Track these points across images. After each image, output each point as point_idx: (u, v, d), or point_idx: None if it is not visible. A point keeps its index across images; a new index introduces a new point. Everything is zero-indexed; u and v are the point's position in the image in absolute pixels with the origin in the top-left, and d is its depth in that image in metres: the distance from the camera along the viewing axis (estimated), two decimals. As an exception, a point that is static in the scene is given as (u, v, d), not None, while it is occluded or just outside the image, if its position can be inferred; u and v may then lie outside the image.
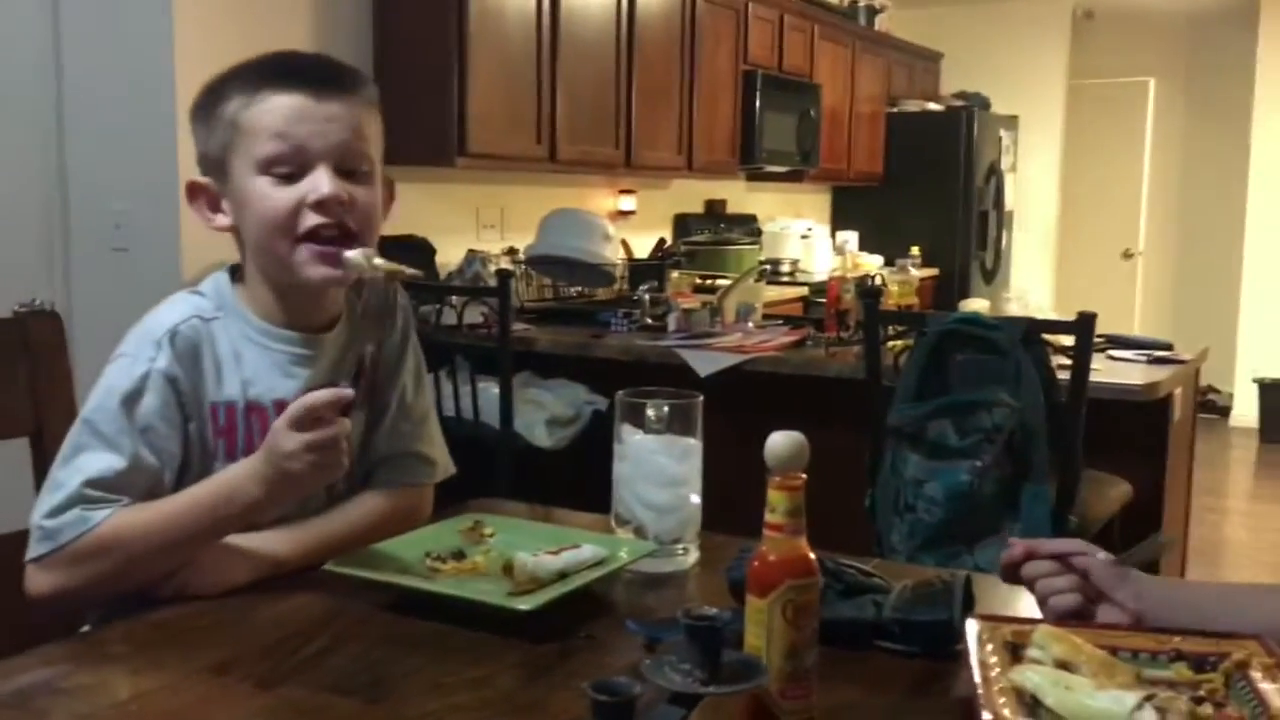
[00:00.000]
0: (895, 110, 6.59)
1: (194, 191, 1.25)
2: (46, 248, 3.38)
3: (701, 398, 1.31)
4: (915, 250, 6.34)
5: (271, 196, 1.18)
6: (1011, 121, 7.03)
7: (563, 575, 1.13)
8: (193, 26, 3.15)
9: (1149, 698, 0.86)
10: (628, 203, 5.00)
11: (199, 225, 1.27)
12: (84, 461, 1.14)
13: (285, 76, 1.19)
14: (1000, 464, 2.33)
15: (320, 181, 1.18)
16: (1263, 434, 6.61)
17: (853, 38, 6.21)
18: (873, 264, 5.99)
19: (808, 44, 5.72)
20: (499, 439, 3.07)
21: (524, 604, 1.05)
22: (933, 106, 6.70)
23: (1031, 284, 7.32)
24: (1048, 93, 7.32)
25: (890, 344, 2.68)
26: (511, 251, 3.95)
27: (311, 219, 1.18)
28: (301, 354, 1.26)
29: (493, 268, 3.66)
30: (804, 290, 5.12)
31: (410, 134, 3.71)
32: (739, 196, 5.83)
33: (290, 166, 1.18)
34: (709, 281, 4.42)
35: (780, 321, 3.70)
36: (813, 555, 0.89)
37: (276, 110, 1.17)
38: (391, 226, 3.80)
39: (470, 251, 3.85)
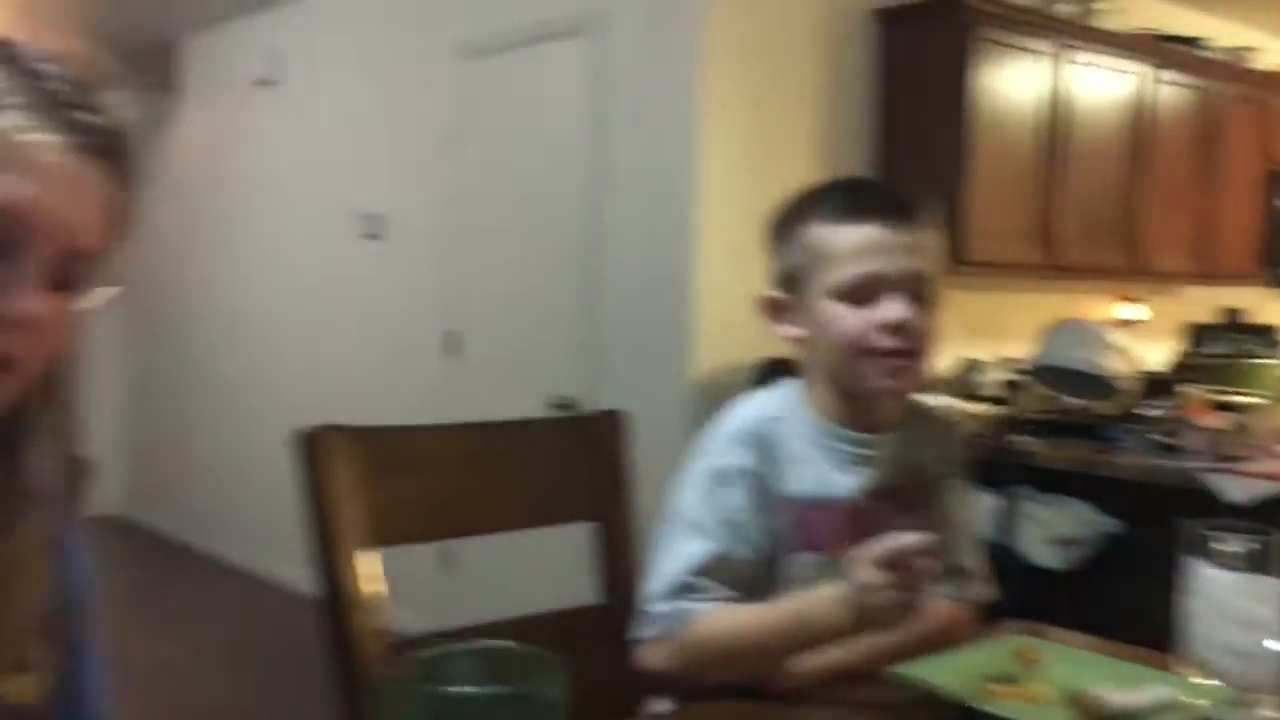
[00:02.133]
0: None
1: (768, 305, 1.36)
2: (583, 344, 3.79)
3: (1290, 536, 1.19)
4: None
5: (847, 318, 1.26)
6: None
7: (1133, 716, 1.07)
8: (717, 160, 3.44)
9: None
10: (1131, 311, 4.70)
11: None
12: (682, 550, 1.26)
13: (863, 207, 1.27)
14: None
15: (894, 307, 1.25)
16: None
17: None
18: None
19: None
20: (999, 555, 2.97)
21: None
22: None
23: None
24: None
25: None
26: (1008, 360, 3.85)
27: (883, 340, 1.24)
28: (859, 453, 1.32)
29: (988, 377, 3.60)
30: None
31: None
32: (1261, 305, 5.29)
33: (865, 292, 1.25)
34: (1230, 399, 4.03)
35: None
36: None
37: (857, 240, 1.26)
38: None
39: (965, 360, 3.80)
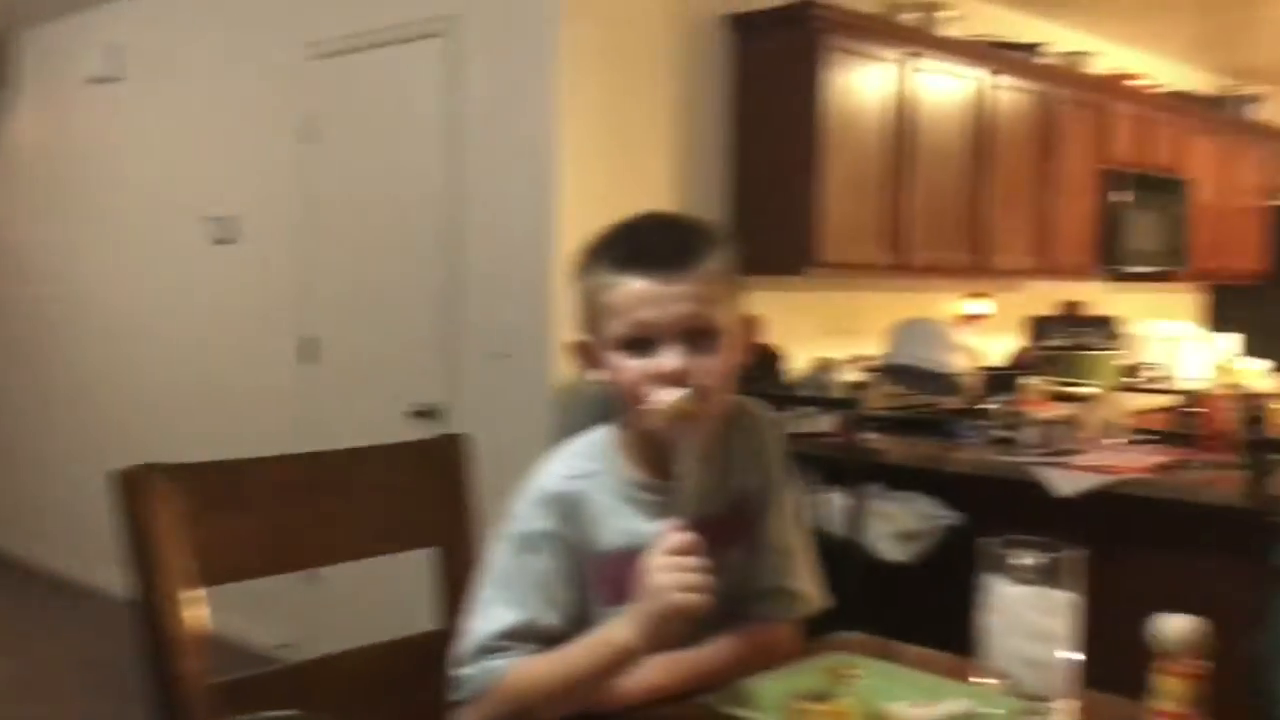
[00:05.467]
0: (1277, 203, 6.07)
1: (577, 350, 1.37)
2: (440, 355, 3.76)
3: (1082, 552, 1.27)
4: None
5: (625, 369, 1.28)
6: None
7: (932, 729, 1.13)
8: (574, 164, 3.45)
9: None
10: (978, 307, 4.89)
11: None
12: (491, 614, 1.29)
13: (635, 259, 1.28)
14: None
15: (665, 357, 1.26)
16: None
17: (1228, 128, 5.82)
18: (1257, 371, 5.50)
19: (1175, 138, 5.41)
20: (846, 551, 3.07)
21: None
22: (1324, 197, 6.11)
23: None
24: None
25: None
26: (860, 359, 3.97)
27: (655, 391, 1.26)
28: (668, 501, 1.29)
29: (840, 376, 3.71)
30: (1171, 400, 4.77)
31: (764, 245, 3.85)
32: (1097, 298, 5.55)
33: (641, 342, 1.27)
34: (1068, 391, 4.23)
35: (1153, 437, 3.47)
36: (1211, 748, 0.85)
37: (628, 293, 1.27)
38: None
39: (817, 359, 3.91)
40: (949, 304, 4.80)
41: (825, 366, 3.86)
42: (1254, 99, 6.09)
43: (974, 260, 4.37)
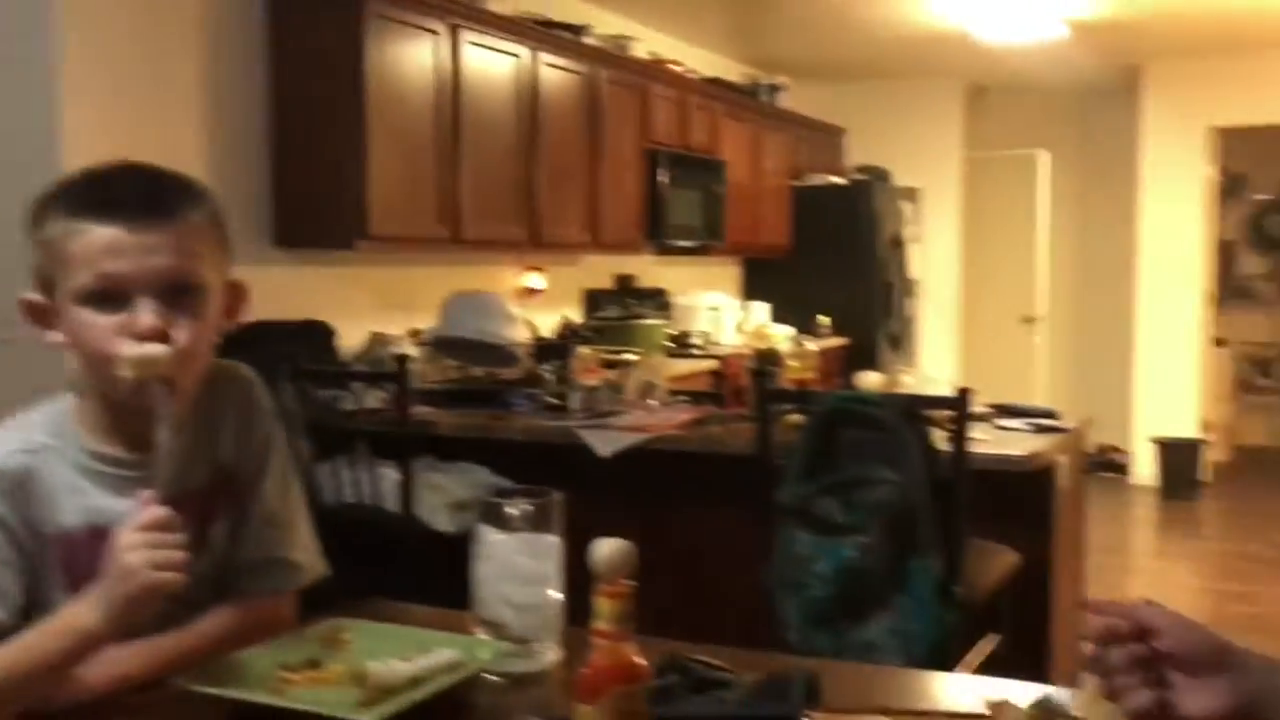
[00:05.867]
0: (800, 184, 6.76)
1: (28, 310, 1.23)
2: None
3: (560, 495, 1.33)
4: (825, 320, 6.48)
5: (91, 326, 1.17)
6: (912, 193, 7.25)
7: (417, 682, 1.14)
8: (82, 126, 3.13)
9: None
10: (536, 280, 5.04)
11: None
12: None
13: (103, 206, 1.17)
14: (886, 539, 2.38)
15: (139, 313, 1.16)
16: (1162, 491, 6.80)
17: (756, 115, 6.38)
18: (783, 335, 6.10)
19: (711, 122, 5.86)
20: (399, 525, 3.05)
21: (369, 715, 1.05)
22: (836, 180, 6.88)
23: (936, 350, 7.51)
24: (945, 165, 7.56)
25: (788, 420, 2.74)
26: (415, 333, 3.96)
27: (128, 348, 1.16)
28: (137, 475, 1.22)
29: (396, 350, 3.67)
30: (714, 364, 5.19)
31: (309, 217, 3.74)
32: (649, 271, 5.91)
33: (111, 296, 1.17)
34: (617, 358, 4.47)
35: (685, 398, 3.75)
36: (640, 659, 0.91)
37: (96, 244, 1.15)
38: (290, 311, 3.79)
39: (373, 334, 3.85)
40: (507, 278, 4.90)
41: (381, 341, 3.81)
42: (778, 88, 6.73)
43: (528, 235, 4.48)
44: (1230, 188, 7.87)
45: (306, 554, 1.40)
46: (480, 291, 3.99)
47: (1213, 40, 6.40)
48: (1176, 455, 6.79)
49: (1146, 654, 0.87)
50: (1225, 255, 7.97)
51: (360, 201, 3.63)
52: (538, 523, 1.32)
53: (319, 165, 3.68)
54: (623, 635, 0.90)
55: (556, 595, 1.32)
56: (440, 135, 3.97)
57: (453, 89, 4.00)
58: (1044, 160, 7.74)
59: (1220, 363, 7.65)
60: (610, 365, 4.26)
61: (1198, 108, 6.88)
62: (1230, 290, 8.06)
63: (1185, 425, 6.98)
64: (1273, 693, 0.86)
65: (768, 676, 1.12)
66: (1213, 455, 7.21)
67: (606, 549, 0.92)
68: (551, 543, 1.32)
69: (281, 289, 3.72)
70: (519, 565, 1.31)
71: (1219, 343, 7.57)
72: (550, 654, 1.31)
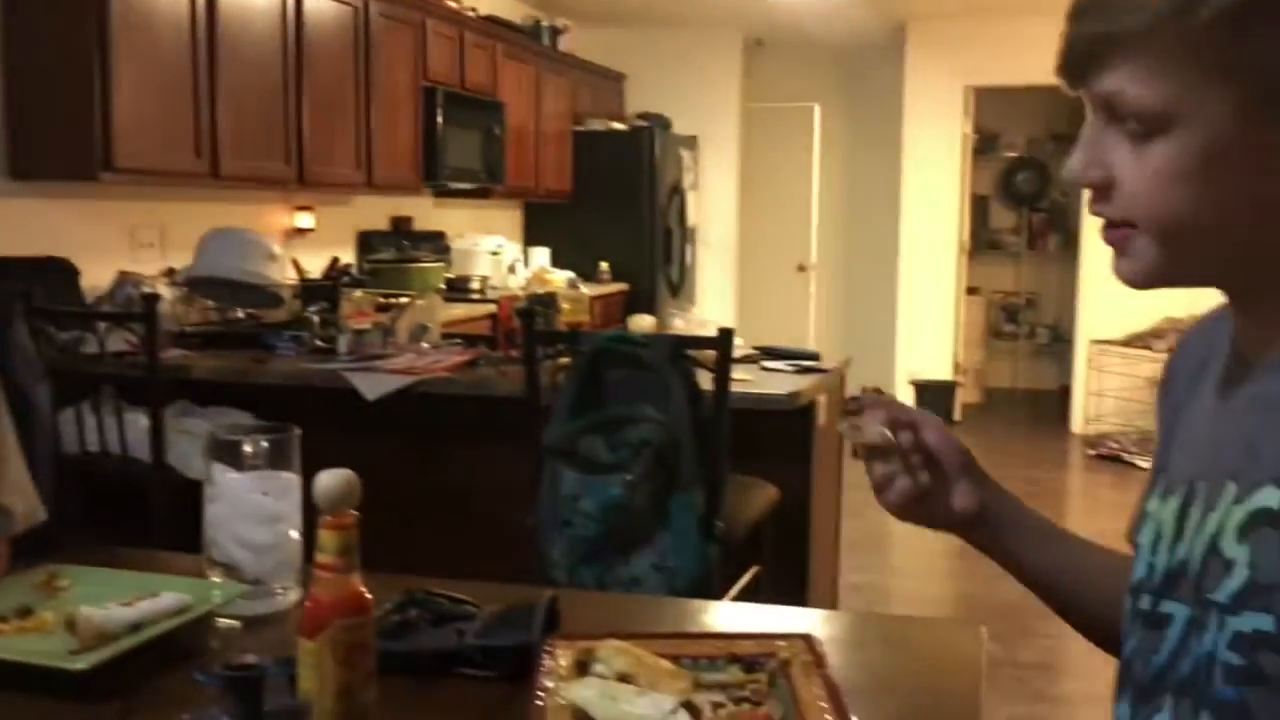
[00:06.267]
0: (581, 129, 6.74)
1: None
2: None
3: (299, 431, 1.28)
4: (605, 265, 6.53)
5: None
6: (692, 141, 7.35)
7: (137, 627, 1.07)
8: None
9: (685, 703, 0.91)
10: (305, 220, 4.85)
11: None
12: None
13: None
14: (650, 477, 2.41)
15: None
16: (920, 431, 7.22)
17: (537, 56, 6.31)
18: (563, 279, 6.11)
19: (490, 62, 5.75)
20: (149, 474, 2.89)
21: (80, 663, 0.99)
22: (617, 126, 6.90)
23: (715, 296, 7.69)
24: (724, 115, 7.71)
25: (555, 361, 2.74)
26: (170, 273, 3.74)
27: None
28: None
29: (147, 290, 3.45)
30: (493, 308, 5.13)
31: (48, 145, 3.46)
32: (427, 213, 5.78)
33: None
34: (391, 301, 4.36)
35: (458, 341, 3.69)
36: (366, 592, 0.89)
37: None
38: (28, 247, 3.53)
39: (122, 273, 3.61)
40: (275, 216, 4.69)
41: (130, 280, 3.57)
42: (559, 30, 6.67)
43: (295, 172, 4.29)
44: (984, 145, 8.36)
45: (20, 499, 1.30)
46: (240, 229, 3.79)
47: (971, 2, 6.74)
48: (933, 396, 7.22)
49: (913, 445, 0.95)
50: (979, 209, 8.47)
51: (104, 130, 3.38)
52: (275, 460, 1.27)
53: (58, 90, 3.39)
54: (347, 567, 0.87)
55: (295, 535, 1.27)
56: (193, 63, 3.73)
57: (208, 15, 3.75)
58: (818, 114, 8.00)
59: (972, 310, 8.16)
60: (384, 309, 4.16)
61: (956, 67, 7.25)
62: (983, 242, 8.58)
63: (941, 368, 7.43)
64: (1001, 505, 0.98)
65: (508, 607, 1.12)
66: (965, 396, 7.70)
67: (328, 480, 0.88)
68: (290, 480, 1.27)
69: (17, 223, 3.44)
70: (255, 504, 1.25)
71: (972, 291, 8.07)
72: (290, 595, 1.27)
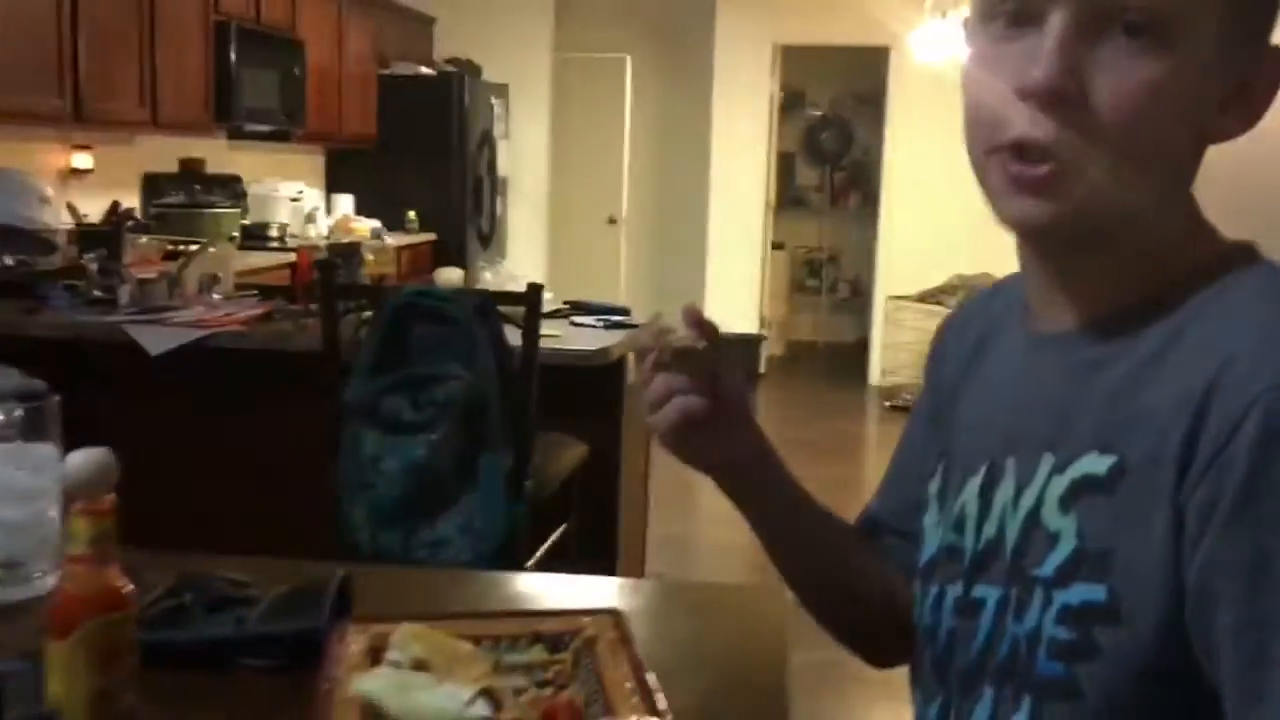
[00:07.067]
0: (388, 73, 6.49)
1: None
2: None
3: (57, 397, 1.16)
4: (413, 215, 6.34)
5: None
6: (502, 90, 7.20)
7: None
8: None
9: (484, 689, 0.87)
10: (83, 160, 4.49)
11: None
12: None
13: None
14: (456, 436, 2.35)
15: None
16: (726, 383, 7.35)
17: (339, -6, 6.03)
18: (368, 229, 5.90)
19: (289, -2, 5.46)
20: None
21: None
22: (425, 70, 6.68)
23: (526, 249, 7.60)
24: (535, 63, 7.57)
25: (357, 315, 2.62)
26: (-76, 215, 3.40)
27: None
28: None
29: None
30: (292, 257, 4.90)
31: None
32: (220, 156, 5.45)
33: None
34: (180, 249, 4.10)
35: (254, 293, 3.50)
36: (126, 584, 0.80)
37: None
38: None
39: None
40: (48, 156, 4.33)
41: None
42: (364, -31, 6.38)
43: (70, 108, 3.96)
44: (790, 103, 8.51)
45: None
46: (7, 169, 3.48)
47: (780, -39, 6.81)
48: (740, 349, 7.36)
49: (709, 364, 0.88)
50: (784, 166, 8.63)
51: None
52: (30, 430, 1.14)
53: None
54: (102, 559, 0.78)
55: (54, 513, 1.15)
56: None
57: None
58: (630, 65, 7.96)
59: (777, 265, 8.33)
60: (172, 257, 3.91)
61: (764, 24, 7.32)
62: (788, 198, 8.77)
63: (748, 322, 7.57)
64: (765, 458, 0.94)
65: (295, 588, 1.04)
66: (770, 349, 7.88)
67: (81, 460, 0.79)
68: (47, 453, 1.15)
69: None
70: (7, 479, 1.13)
71: (777, 246, 8.24)
72: (49, 579, 1.15)
